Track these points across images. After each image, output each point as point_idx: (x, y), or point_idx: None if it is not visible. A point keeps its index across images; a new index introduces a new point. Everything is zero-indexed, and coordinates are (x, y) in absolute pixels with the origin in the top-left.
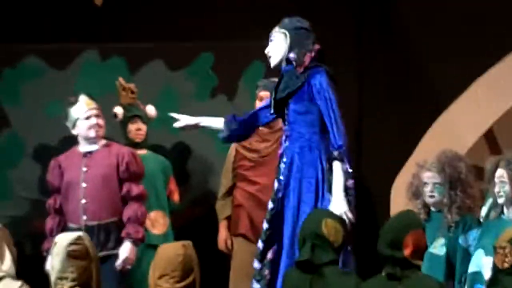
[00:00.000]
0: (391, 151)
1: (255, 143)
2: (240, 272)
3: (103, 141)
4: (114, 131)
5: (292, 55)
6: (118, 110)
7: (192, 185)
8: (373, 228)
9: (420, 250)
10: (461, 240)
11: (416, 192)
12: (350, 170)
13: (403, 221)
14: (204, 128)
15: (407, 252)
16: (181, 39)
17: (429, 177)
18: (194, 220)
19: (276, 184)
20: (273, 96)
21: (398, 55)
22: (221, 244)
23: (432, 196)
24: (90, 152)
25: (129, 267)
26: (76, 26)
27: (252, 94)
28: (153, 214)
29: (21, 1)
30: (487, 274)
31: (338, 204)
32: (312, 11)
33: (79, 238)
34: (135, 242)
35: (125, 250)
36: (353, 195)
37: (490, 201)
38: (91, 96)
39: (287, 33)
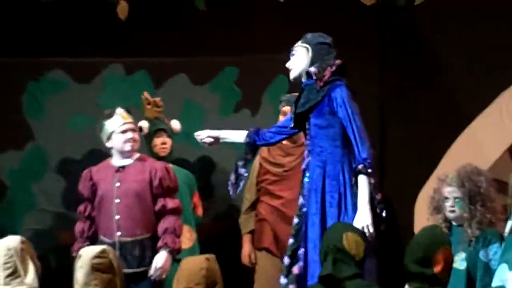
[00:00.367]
0: (415, 165)
1: (279, 157)
2: (264, 286)
3: (137, 155)
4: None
5: (312, 69)
6: (144, 124)
7: (216, 199)
8: (396, 242)
9: (449, 267)
10: (481, 255)
11: (437, 207)
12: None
13: (432, 237)
14: (225, 142)
15: (437, 269)
16: (205, 53)
17: (450, 191)
18: (217, 234)
19: (300, 199)
20: (294, 110)
21: (421, 69)
22: (244, 258)
23: (452, 211)
24: (123, 167)
25: (163, 276)
26: (101, 40)
27: (276, 108)
28: None
29: (46, 15)
30: None
31: (363, 217)
32: (336, 26)
33: (103, 251)
34: (172, 252)
35: (161, 259)
36: (383, 209)
37: None
38: (128, 109)
39: (309, 47)
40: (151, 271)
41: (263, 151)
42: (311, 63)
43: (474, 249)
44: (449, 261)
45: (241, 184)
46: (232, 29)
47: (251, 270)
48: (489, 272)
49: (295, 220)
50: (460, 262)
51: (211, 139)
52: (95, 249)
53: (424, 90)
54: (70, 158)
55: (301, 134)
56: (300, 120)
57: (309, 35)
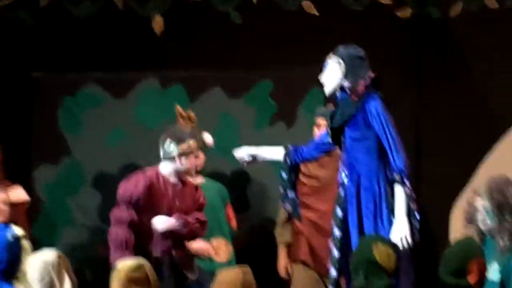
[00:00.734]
0: (451, 176)
1: (314, 170)
2: None
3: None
4: None
5: (346, 83)
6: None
7: (251, 211)
8: (432, 253)
9: (484, 278)
10: None
11: (471, 218)
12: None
13: (466, 249)
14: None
15: (471, 279)
16: (240, 67)
17: (481, 203)
18: (253, 246)
19: (340, 212)
20: (330, 125)
21: (456, 81)
22: (281, 271)
23: (484, 223)
24: (180, 186)
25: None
26: (136, 55)
27: (311, 121)
28: (215, 242)
29: (82, 30)
30: None
31: (401, 227)
32: (371, 39)
33: (139, 265)
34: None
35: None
36: (418, 219)
37: None
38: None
39: (341, 61)
40: None
41: None
42: (344, 77)
43: (508, 260)
44: (483, 272)
45: (298, 208)
46: (267, 42)
47: (287, 282)
48: None
49: (338, 233)
50: (493, 273)
51: (250, 158)
52: (132, 262)
53: (461, 101)
54: (106, 173)
55: (336, 146)
56: (336, 134)
57: (341, 48)
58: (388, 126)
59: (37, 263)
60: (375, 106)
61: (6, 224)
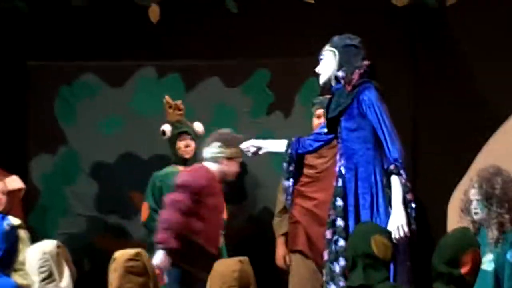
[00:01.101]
0: (448, 166)
1: (312, 159)
2: None
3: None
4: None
5: (340, 73)
6: (166, 128)
7: (249, 201)
8: (429, 244)
9: (477, 269)
10: (509, 255)
11: (466, 209)
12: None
13: (461, 239)
14: (267, 153)
15: (464, 270)
16: (237, 56)
17: (473, 194)
18: (250, 237)
19: (339, 201)
20: (326, 115)
21: (453, 70)
22: (279, 261)
23: (476, 213)
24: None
25: None
26: (132, 44)
27: (308, 110)
28: None
29: (78, 18)
30: None
31: (397, 217)
32: (367, 28)
33: (137, 254)
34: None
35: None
36: (414, 209)
37: None
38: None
39: (335, 51)
40: None
41: None
42: (339, 67)
43: (502, 250)
44: (477, 263)
45: (290, 196)
46: (264, 32)
47: (285, 272)
48: None
49: (341, 223)
50: (488, 263)
51: (255, 149)
52: (129, 252)
53: (457, 92)
54: (102, 162)
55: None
56: (333, 125)
57: (336, 38)
58: (383, 116)
59: (36, 253)
60: (369, 96)
61: (3, 214)
